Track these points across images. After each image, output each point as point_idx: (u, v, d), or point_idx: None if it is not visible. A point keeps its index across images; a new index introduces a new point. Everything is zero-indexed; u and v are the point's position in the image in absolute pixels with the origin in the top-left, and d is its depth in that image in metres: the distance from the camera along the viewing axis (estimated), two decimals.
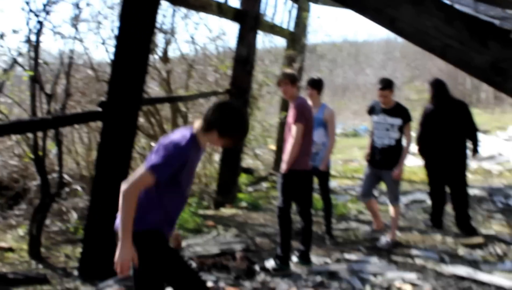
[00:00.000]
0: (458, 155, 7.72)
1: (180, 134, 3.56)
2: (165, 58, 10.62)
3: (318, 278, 5.96)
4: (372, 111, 7.37)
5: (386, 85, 7.14)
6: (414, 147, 8.40)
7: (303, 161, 6.29)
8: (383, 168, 7.21)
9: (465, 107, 7.78)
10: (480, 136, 8.15)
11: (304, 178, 6.40)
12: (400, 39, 41.30)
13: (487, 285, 5.81)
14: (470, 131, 7.70)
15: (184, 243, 6.95)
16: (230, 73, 9.98)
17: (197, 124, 3.60)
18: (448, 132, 7.68)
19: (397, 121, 7.08)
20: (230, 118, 3.51)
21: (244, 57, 9.41)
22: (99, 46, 15.23)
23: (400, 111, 7.15)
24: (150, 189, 3.48)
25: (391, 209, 7.31)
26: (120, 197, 3.39)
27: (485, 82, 3.56)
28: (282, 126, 11.77)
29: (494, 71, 3.32)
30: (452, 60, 3.55)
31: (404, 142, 7.21)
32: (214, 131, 3.51)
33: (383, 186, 7.83)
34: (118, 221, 3.47)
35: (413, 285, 5.81)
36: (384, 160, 7.19)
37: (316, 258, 6.63)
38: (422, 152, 7.99)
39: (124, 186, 3.39)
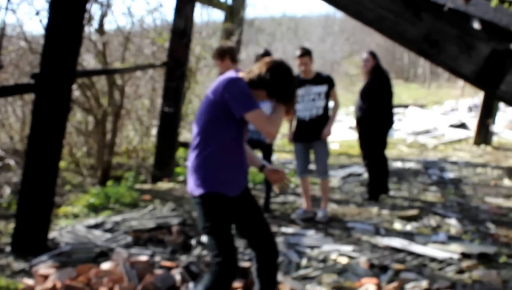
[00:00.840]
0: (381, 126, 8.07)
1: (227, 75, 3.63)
2: (101, 30, 10.36)
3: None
4: None
5: (305, 51, 7.16)
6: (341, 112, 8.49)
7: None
8: (314, 140, 7.20)
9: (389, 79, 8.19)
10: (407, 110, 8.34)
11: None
12: (339, 14, 41.47)
13: (421, 257, 5.93)
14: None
15: (119, 217, 6.85)
16: (167, 46, 9.84)
17: (244, 74, 3.57)
18: (382, 103, 7.97)
19: (323, 88, 7.11)
20: (282, 82, 3.58)
21: (181, 30, 9.26)
22: (33, 18, 14.77)
23: (323, 78, 7.18)
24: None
25: (321, 183, 7.35)
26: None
27: (418, 54, 3.59)
28: None
29: (428, 43, 3.34)
30: (387, 32, 3.56)
31: (330, 109, 7.28)
32: (262, 90, 3.62)
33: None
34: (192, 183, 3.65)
35: (349, 257, 5.89)
36: (314, 131, 7.15)
37: None
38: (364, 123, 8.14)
39: (271, 128, 3.54)
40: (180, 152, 10.82)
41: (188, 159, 3.81)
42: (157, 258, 5.52)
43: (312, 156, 7.44)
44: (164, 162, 9.45)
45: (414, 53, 3.68)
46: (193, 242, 6.15)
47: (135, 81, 10.79)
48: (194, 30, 10.43)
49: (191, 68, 11.30)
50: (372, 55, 8.18)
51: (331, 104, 7.30)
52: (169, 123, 9.35)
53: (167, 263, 5.32)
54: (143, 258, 5.19)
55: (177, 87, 9.33)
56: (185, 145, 10.78)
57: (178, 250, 5.93)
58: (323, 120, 7.17)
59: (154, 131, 11.02)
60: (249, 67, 3.79)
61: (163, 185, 9.01)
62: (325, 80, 7.18)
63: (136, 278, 4.80)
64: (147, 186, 8.95)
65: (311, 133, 7.18)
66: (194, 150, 3.70)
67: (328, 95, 7.17)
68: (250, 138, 6.70)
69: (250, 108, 3.46)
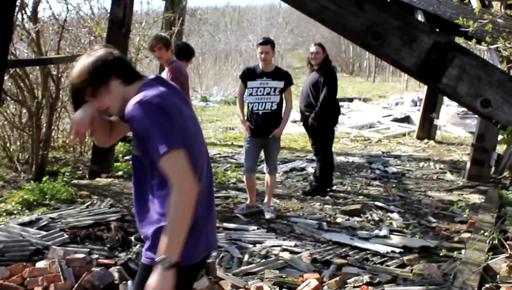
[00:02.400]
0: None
1: None
2: (34, 18, 10.10)
3: None
4: (248, 76, 7.29)
5: (268, 39, 7.20)
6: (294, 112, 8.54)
7: None
8: (266, 136, 7.21)
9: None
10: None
11: None
12: (284, 5, 41.72)
13: (363, 251, 6.02)
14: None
15: (55, 214, 6.71)
16: (105, 36, 9.67)
17: None
18: (330, 97, 8.09)
19: (280, 84, 7.13)
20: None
21: (120, 19, 9.10)
22: None
23: (282, 74, 7.20)
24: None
25: (268, 178, 7.37)
26: (184, 202, 2.52)
27: (361, 46, 3.63)
28: None
29: (370, 35, 3.38)
30: (329, 23, 3.58)
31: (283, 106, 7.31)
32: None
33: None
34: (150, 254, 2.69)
35: (292, 252, 5.93)
36: (266, 127, 7.15)
37: None
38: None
39: (184, 184, 2.52)
40: (119, 146, 10.68)
41: None
42: (94, 256, 5.43)
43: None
44: (102, 157, 9.30)
45: (357, 45, 3.72)
46: (132, 238, 6.08)
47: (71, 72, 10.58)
48: (134, 19, 10.29)
49: (131, 60, 11.16)
50: (322, 47, 8.24)
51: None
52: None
53: (105, 261, 5.25)
54: (80, 256, 5.09)
55: None
56: (124, 139, 10.63)
57: (116, 247, 5.85)
58: (276, 116, 7.20)
59: None
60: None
61: (101, 180, 8.87)
62: (284, 76, 7.19)
63: (72, 277, 4.71)
64: (84, 182, 8.79)
65: (265, 130, 7.16)
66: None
67: (282, 92, 7.18)
68: None
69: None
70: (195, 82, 23.35)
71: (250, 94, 7.18)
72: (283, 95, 7.19)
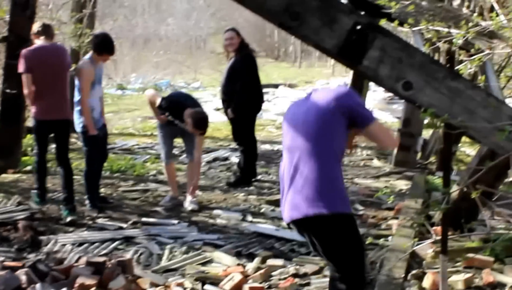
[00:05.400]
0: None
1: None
2: None
3: (113, 244, 5.88)
4: None
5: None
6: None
7: (50, 110, 6.70)
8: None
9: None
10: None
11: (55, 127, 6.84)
12: None
13: (289, 242, 6.06)
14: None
15: None
16: (7, 19, 9.34)
17: None
18: (250, 84, 8.09)
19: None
20: None
21: (23, 0, 8.81)
22: None
23: None
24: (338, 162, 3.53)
25: (192, 165, 7.34)
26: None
27: (280, 27, 3.63)
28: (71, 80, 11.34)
29: (289, 14, 3.38)
30: (247, 3, 3.57)
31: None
32: None
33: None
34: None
35: (214, 246, 5.92)
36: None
37: (111, 223, 6.51)
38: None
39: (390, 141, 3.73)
40: (28, 139, 10.38)
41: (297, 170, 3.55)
42: (0, 258, 5.26)
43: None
44: (9, 151, 8.98)
45: (275, 26, 3.73)
46: (43, 238, 5.94)
47: None
48: (40, 1, 10.00)
49: None
50: (236, 32, 8.21)
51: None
52: (13, 106, 8.88)
53: (12, 263, 5.07)
54: None
55: None
56: (31, 131, 10.33)
57: (25, 248, 5.69)
58: None
59: None
60: None
61: (8, 176, 8.60)
62: None
63: None
64: None
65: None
66: (312, 163, 3.47)
67: None
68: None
69: (373, 118, 3.47)
70: (111, 69, 22.93)
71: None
72: None
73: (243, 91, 8.00)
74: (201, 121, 6.88)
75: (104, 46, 6.86)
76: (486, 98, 3.52)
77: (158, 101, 7.16)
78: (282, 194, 3.68)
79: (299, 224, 3.53)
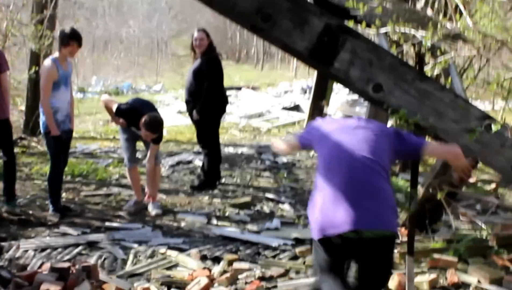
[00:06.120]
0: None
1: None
2: None
3: (77, 249, 5.78)
4: None
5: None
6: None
7: None
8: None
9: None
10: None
11: None
12: None
13: (255, 245, 6.04)
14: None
15: None
16: None
17: None
18: (216, 86, 8.05)
19: None
20: None
21: None
22: None
23: None
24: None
25: (154, 169, 7.26)
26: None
27: (251, 30, 3.60)
28: (34, 83, 11.17)
29: (260, 16, 3.35)
30: (217, 5, 3.53)
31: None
32: None
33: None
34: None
35: (180, 250, 5.86)
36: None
37: (73, 229, 6.40)
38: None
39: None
40: None
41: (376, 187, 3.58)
42: None
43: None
44: None
45: (246, 29, 3.69)
46: (4, 244, 5.81)
47: None
48: (0, 1, 9.80)
49: None
50: (206, 33, 8.15)
51: None
52: None
53: None
54: None
55: None
56: None
57: None
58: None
59: None
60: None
61: None
62: None
63: None
64: None
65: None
66: (382, 181, 3.57)
67: None
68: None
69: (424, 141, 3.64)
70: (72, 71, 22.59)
71: None
72: None
73: (210, 93, 7.93)
74: (153, 124, 6.81)
75: (71, 34, 6.74)
76: (455, 99, 3.54)
77: (114, 107, 7.07)
78: (335, 199, 3.56)
79: (362, 235, 3.48)
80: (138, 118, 6.85)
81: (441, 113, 3.47)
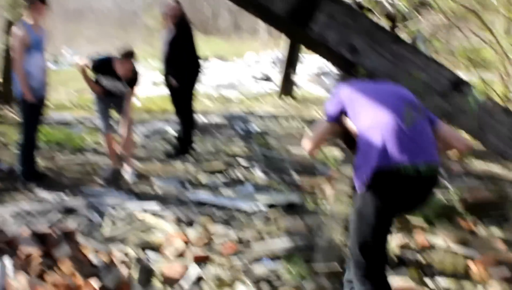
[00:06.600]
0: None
1: None
2: None
3: (55, 215, 5.72)
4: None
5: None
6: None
7: None
8: (114, 95, 7.16)
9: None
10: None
11: None
12: None
13: (228, 209, 6.04)
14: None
15: None
16: None
17: None
18: (189, 54, 7.95)
19: None
20: None
21: None
22: None
23: None
24: None
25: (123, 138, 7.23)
26: None
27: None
28: (8, 53, 10.94)
29: None
30: None
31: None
32: None
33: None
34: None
35: (155, 214, 5.83)
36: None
37: (51, 195, 6.33)
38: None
39: None
40: None
41: None
42: None
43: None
44: None
45: None
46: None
47: None
48: None
49: None
50: (177, 2, 8.06)
51: None
52: None
53: None
54: None
55: None
56: None
57: None
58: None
59: None
60: None
61: None
62: None
63: None
64: None
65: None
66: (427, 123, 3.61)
67: None
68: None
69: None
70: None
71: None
72: None
73: (185, 59, 7.90)
74: (127, 49, 7.10)
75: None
76: (427, 61, 3.53)
77: (89, 63, 7.06)
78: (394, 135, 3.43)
79: (432, 168, 3.47)
80: (111, 65, 7.03)
81: (413, 75, 3.46)
